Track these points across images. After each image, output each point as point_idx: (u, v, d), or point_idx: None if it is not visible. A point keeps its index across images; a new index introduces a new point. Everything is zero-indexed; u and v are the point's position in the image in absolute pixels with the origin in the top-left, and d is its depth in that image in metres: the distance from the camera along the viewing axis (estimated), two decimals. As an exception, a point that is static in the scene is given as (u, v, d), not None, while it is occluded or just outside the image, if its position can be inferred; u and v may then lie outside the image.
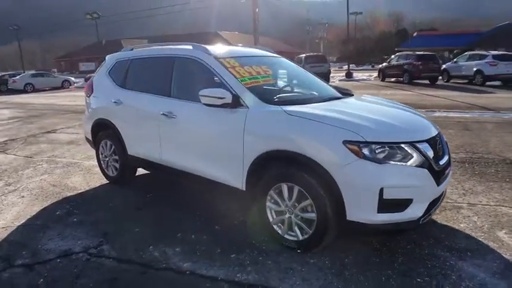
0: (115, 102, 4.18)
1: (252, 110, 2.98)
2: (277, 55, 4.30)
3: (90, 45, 63.28)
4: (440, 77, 19.27)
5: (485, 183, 4.23)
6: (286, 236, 2.87)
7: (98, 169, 5.09)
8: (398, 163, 2.53)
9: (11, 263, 2.78)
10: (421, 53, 19.76)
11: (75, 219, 3.53)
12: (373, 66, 48.07)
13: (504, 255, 2.74)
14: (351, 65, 31.91)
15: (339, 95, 3.69)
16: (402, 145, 2.57)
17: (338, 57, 75.52)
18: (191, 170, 3.48)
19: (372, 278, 2.50)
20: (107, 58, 4.69)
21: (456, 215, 3.42)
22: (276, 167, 2.84)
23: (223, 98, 3.01)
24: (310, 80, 4.05)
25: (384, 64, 22.28)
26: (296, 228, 2.81)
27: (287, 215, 2.83)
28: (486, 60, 16.53)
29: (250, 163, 2.95)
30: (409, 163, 2.55)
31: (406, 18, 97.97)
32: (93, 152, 5.99)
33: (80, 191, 4.34)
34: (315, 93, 3.70)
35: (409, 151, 2.57)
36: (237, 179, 3.09)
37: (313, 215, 2.68)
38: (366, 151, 2.49)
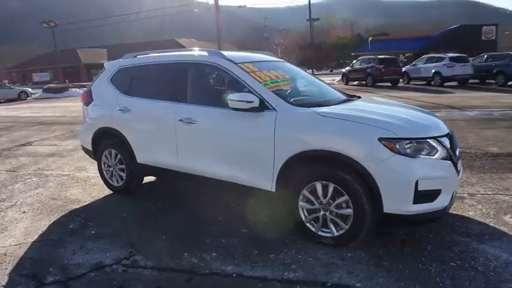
0: (121, 110, 4.07)
1: (282, 112, 3.05)
2: (282, 60, 4.42)
3: (42, 55, 60.20)
4: (400, 79, 20.40)
5: (476, 175, 4.58)
6: (320, 233, 2.96)
7: (95, 180, 4.93)
8: (427, 157, 2.72)
9: (42, 281, 2.63)
10: (383, 56, 20.81)
11: (92, 232, 3.39)
12: (331, 71, 49.60)
13: None
14: (309, 70, 32.86)
15: (347, 97, 3.86)
16: (428, 140, 2.77)
17: (296, 63, 77.44)
18: (212, 174, 3.48)
19: (409, 266, 2.64)
20: (106, 65, 4.56)
21: (462, 205, 3.69)
22: (311, 166, 2.93)
23: (252, 102, 3.07)
24: (316, 83, 4.20)
25: (347, 68, 23.24)
26: (331, 225, 2.90)
27: (321, 213, 2.93)
28: (443, 63, 17.76)
29: (282, 164, 3.02)
30: (435, 156, 2.74)
31: (359, 24, 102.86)
32: (82, 163, 5.85)
33: (85, 203, 4.16)
34: (329, 95, 3.84)
35: (435, 145, 2.77)
36: (266, 181, 3.14)
37: (349, 211, 2.79)
38: (399, 147, 2.66)
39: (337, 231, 2.89)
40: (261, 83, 3.28)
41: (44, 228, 3.51)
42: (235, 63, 3.46)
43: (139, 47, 55.41)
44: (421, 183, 2.64)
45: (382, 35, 62.62)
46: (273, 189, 3.13)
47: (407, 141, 2.70)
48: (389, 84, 20.06)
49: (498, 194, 3.92)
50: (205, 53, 3.71)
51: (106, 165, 4.41)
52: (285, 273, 2.60)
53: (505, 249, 2.83)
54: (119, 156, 4.24)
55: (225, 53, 3.65)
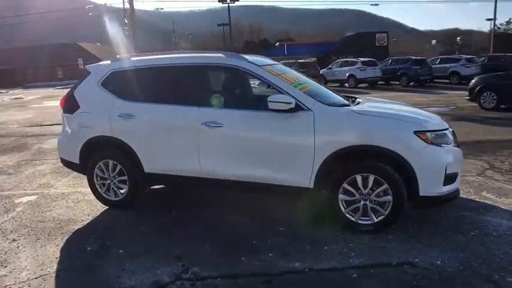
0: (122, 116, 3.76)
1: (319, 112, 3.22)
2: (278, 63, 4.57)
3: None
4: (318, 82, 22.11)
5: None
6: (360, 222, 3.22)
7: (75, 196, 4.46)
8: (447, 145, 3.19)
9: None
10: (302, 60, 22.32)
11: (120, 251, 3.09)
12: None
13: (502, 207, 3.69)
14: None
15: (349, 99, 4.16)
16: (445, 131, 3.24)
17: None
18: (243, 177, 3.47)
19: (444, 240, 3.06)
20: (91, 68, 4.13)
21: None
22: (351, 161, 3.16)
23: (290, 103, 3.18)
24: (316, 84, 4.43)
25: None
26: (371, 213, 3.18)
27: (361, 203, 3.18)
28: (357, 66, 19.86)
29: (322, 161, 3.18)
30: (450, 145, 3.23)
31: (264, 30, 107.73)
32: (41, 179, 5.20)
33: (85, 222, 3.72)
34: (335, 96, 4.09)
35: (449, 136, 3.26)
36: (304, 178, 3.28)
37: (389, 198, 3.10)
38: (431, 138, 3.06)
39: (377, 218, 3.18)
40: (290, 85, 3.40)
41: (58, 255, 3.07)
42: (260, 66, 3.51)
43: (36, 50, 49.40)
44: (449, 167, 3.09)
45: (288, 41, 66.96)
46: (311, 186, 3.28)
47: (433, 133, 3.13)
48: (309, 86, 21.53)
49: (465, 176, 4.67)
50: (222, 55, 3.67)
51: (99, 179, 4.00)
52: (351, 261, 2.79)
53: (501, 217, 3.46)
54: (118, 167, 3.89)
55: (244, 56, 3.67)
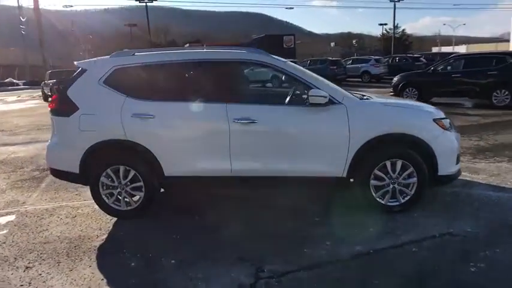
0: (138, 116, 3.45)
1: (351, 105, 3.42)
2: None
3: None
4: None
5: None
6: (388, 203, 3.53)
7: (66, 211, 3.95)
8: (453, 130, 3.69)
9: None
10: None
11: (172, 261, 2.85)
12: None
13: (480, 181, 4.37)
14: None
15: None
16: (447, 119, 3.75)
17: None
18: (277, 172, 3.49)
19: (459, 212, 3.54)
20: (87, 65, 3.67)
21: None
22: (381, 148, 3.44)
23: (326, 97, 3.33)
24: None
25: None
26: (398, 194, 3.51)
27: (390, 186, 3.49)
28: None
29: (356, 151, 3.40)
30: (454, 130, 3.75)
31: (172, 32, 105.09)
32: (5, 196, 4.41)
33: (103, 236, 3.32)
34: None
35: (450, 123, 3.77)
36: (338, 168, 3.46)
37: (414, 179, 3.47)
38: (445, 124, 3.52)
39: (403, 199, 3.52)
40: (318, 79, 3.54)
41: (100, 276, 2.69)
42: (284, 62, 3.57)
43: None
44: (458, 149, 3.59)
45: (196, 42, 66.71)
46: (344, 175, 3.48)
47: (444, 121, 3.59)
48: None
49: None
50: (247, 51, 3.63)
51: (106, 188, 3.60)
52: (403, 238, 3.06)
53: (486, 189, 4.11)
54: (132, 173, 3.55)
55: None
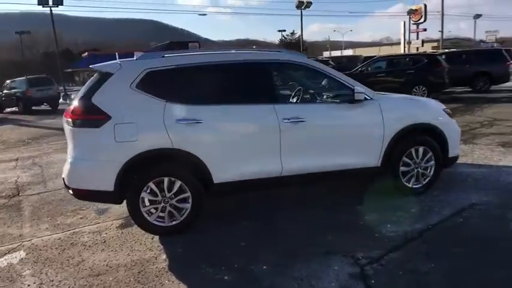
0: (184, 122, 3.22)
1: (381, 100, 3.76)
2: None
3: None
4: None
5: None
6: (414, 186, 3.96)
7: (94, 237, 3.45)
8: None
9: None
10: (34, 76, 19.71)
11: (264, 267, 2.76)
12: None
13: (468, 162, 5.11)
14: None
15: None
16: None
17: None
18: (323, 167, 3.62)
19: (459, 186, 4.16)
20: (114, 69, 3.27)
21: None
22: (407, 137, 3.84)
23: (364, 93, 3.60)
24: None
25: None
26: (420, 177, 3.97)
27: (415, 171, 3.93)
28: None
29: (388, 141, 3.75)
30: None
31: (65, 39, 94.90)
32: (17, 230, 3.72)
33: (166, 256, 2.99)
34: None
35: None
36: (374, 159, 3.77)
37: (432, 163, 3.97)
38: (450, 113, 4.12)
39: (424, 181, 4.00)
40: (350, 79, 3.79)
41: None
42: (318, 63, 3.73)
43: None
44: (460, 134, 4.24)
45: (94, 50, 61.68)
46: (379, 164, 3.80)
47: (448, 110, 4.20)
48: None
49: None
50: (286, 52, 3.69)
51: (149, 203, 3.25)
52: (444, 213, 3.49)
53: (468, 168, 4.86)
54: (178, 184, 3.28)
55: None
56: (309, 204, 3.97)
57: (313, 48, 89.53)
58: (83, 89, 3.69)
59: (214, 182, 3.38)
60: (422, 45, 33.60)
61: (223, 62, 3.53)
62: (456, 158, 4.22)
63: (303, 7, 30.93)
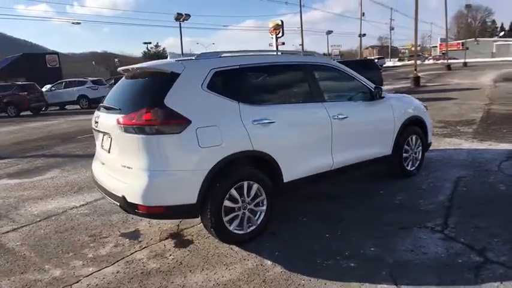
0: (260, 123, 3.15)
1: (390, 98, 4.40)
2: None
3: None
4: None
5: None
6: (411, 169, 4.73)
7: (158, 260, 3.05)
8: None
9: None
10: (22, 82, 17.87)
11: (372, 248, 2.95)
12: None
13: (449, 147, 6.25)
14: None
15: None
16: None
17: None
18: (357, 159, 4.01)
19: (440, 166, 5.16)
20: (180, 68, 2.95)
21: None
22: (407, 129, 4.56)
23: (380, 92, 4.18)
24: None
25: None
26: (415, 161, 4.77)
27: (412, 156, 4.71)
28: (87, 86, 18.49)
29: (397, 132, 4.42)
30: None
31: None
32: (51, 262, 3.16)
33: (267, 264, 2.84)
34: None
35: None
36: (389, 148, 4.38)
37: (420, 148, 4.83)
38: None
39: (416, 163, 4.81)
40: (365, 79, 4.30)
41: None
42: (343, 65, 4.13)
43: None
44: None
45: None
46: (391, 153, 4.42)
47: None
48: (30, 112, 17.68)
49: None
50: (314, 55, 3.94)
51: (229, 212, 3.05)
52: (447, 185, 4.30)
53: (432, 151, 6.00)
54: (255, 187, 3.15)
55: None
56: (339, 196, 4.28)
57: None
58: (127, 93, 3.20)
59: (284, 181, 3.38)
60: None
61: (278, 63, 3.61)
62: (431, 143, 5.21)
63: (181, 19, 30.91)
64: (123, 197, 2.83)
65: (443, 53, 51.19)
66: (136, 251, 3.19)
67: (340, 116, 3.74)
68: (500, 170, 4.76)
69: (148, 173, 2.75)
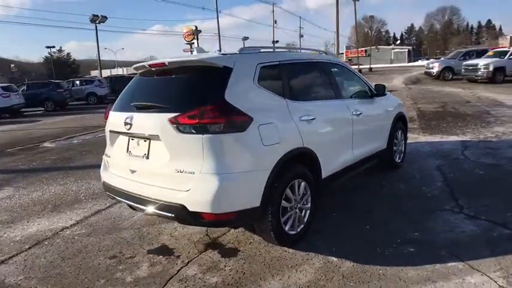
0: (305, 120, 3.11)
1: (385, 97, 4.70)
2: None
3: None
4: None
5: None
6: (398, 161, 5.13)
7: (214, 273, 2.85)
8: None
9: None
10: None
11: (416, 234, 3.13)
12: None
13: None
14: None
15: None
16: None
17: None
18: (365, 154, 4.20)
19: (410, 160, 5.69)
20: (231, 63, 2.76)
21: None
22: (397, 123, 4.94)
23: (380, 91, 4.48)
24: None
25: None
26: (399, 153, 5.17)
27: (398, 149, 5.10)
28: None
29: (391, 127, 4.75)
30: None
31: None
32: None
33: (333, 260, 2.81)
34: None
35: None
36: (385, 142, 4.70)
37: (403, 141, 5.27)
38: (400, 104, 5.56)
39: (401, 155, 5.22)
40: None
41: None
42: (348, 64, 4.30)
43: None
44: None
45: None
46: (386, 146, 4.74)
47: None
48: None
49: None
50: (326, 55, 4.03)
51: (285, 212, 2.94)
52: (436, 172, 4.77)
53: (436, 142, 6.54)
54: (302, 185, 3.11)
55: None
56: (349, 190, 4.42)
57: (83, 67, 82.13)
58: (165, 90, 2.88)
59: (322, 177, 3.38)
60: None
61: (310, 60, 3.65)
62: (407, 137, 5.71)
63: (97, 21, 28.54)
64: (183, 207, 2.52)
65: (349, 59, 56.51)
66: (182, 267, 2.86)
67: (357, 112, 3.89)
68: (467, 158, 5.44)
69: (217, 177, 2.50)
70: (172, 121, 2.56)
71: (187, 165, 2.56)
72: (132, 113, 2.89)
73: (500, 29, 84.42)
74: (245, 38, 57.78)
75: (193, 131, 2.52)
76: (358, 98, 4.24)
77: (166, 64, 2.88)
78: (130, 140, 2.97)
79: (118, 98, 3.35)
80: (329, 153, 3.47)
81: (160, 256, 3.06)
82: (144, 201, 2.79)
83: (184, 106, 2.60)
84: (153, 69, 3.06)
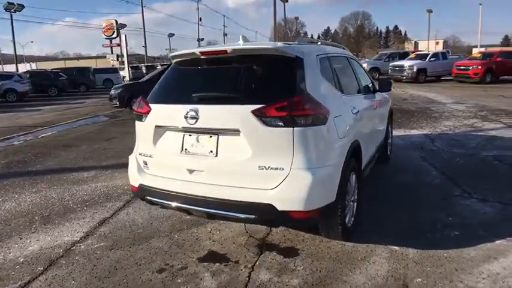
0: (355, 112, 3.16)
1: (380, 94, 4.94)
2: None
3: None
4: None
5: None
6: (389, 153, 5.45)
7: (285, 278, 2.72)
8: None
9: None
10: None
11: (450, 219, 3.37)
12: None
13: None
14: None
15: None
16: None
17: None
18: (377, 147, 4.38)
19: (395, 152, 6.10)
20: (300, 52, 2.64)
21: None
22: (391, 117, 5.24)
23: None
24: None
25: None
26: (389, 146, 5.51)
27: (389, 141, 5.42)
28: None
29: (387, 121, 5.04)
30: None
31: None
32: None
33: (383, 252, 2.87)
34: None
35: None
36: (384, 135, 4.93)
37: (391, 135, 5.61)
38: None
39: (390, 151, 5.56)
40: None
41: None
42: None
43: None
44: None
45: None
46: (383, 139, 5.00)
47: None
48: None
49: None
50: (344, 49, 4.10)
51: (343, 208, 2.92)
52: (424, 163, 5.19)
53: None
54: (353, 177, 3.12)
55: None
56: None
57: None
58: (232, 80, 2.65)
59: (362, 169, 3.43)
60: (117, 60, 33.97)
61: (344, 54, 3.69)
62: (391, 129, 6.10)
63: (12, 10, 24.78)
64: (271, 206, 2.33)
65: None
66: (250, 273, 2.66)
67: (374, 106, 4.04)
68: (441, 149, 6.01)
69: (310, 172, 2.36)
70: (257, 113, 2.34)
71: (274, 160, 2.37)
72: (195, 105, 2.57)
73: (405, 34, 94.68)
74: (171, 35, 55.94)
75: (281, 123, 2.35)
76: (368, 93, 4.40)
77: (229, 52, 2.61)
78: (187, 136, 2.64)
79: (156, 89, 2.96)
80: (366, 145, 3.53)
81: (217, 264, 2.80)
82: (212, 203, 2.50)
83: (266, 98, 2.40)
84: (203, 57, 2.76)
